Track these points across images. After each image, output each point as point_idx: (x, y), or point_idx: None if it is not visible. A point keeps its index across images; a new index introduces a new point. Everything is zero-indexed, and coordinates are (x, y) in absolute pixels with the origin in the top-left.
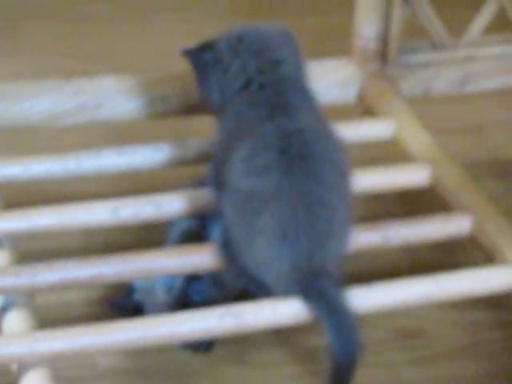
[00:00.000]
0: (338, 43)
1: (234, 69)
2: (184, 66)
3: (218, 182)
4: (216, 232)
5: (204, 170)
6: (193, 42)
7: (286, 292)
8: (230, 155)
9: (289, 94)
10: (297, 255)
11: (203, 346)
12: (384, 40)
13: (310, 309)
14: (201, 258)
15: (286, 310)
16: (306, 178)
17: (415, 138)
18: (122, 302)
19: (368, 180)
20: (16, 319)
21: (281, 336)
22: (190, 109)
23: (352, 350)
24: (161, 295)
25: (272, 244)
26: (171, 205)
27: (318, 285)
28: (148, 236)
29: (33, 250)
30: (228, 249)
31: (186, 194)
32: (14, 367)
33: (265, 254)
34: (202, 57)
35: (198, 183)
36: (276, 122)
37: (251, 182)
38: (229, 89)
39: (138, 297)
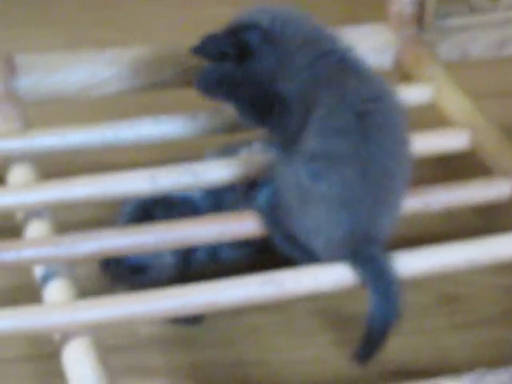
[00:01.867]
0: (373, 9)
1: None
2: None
3: (282, 144)
4: (262, 198)
5: (238, 137)
6: (227, 10)
7: (333, 258)
8: (304, 115)
9: (356, 62)
10: (355, 222)
11: (194, 319)
12: (420, 4)
13: (357, 274)
14: (240, 226)
15: (326, 277)
16: (379, 148)
17: (453, 102)
18: (115, 267)
19: None
20: (57, 289)
21: (318, 304)
22: None
23: (391, 316)
24: (167, 257)
25: (332, 208)
26: (208, 173)
27: (369, 251)
28: None
29: (71, 221)
30: (275, 214)
31: (223, 162)
32: (57, 336)
33: (321, 218)
34: (242, 39)
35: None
36: (353, 85)
37: (326, 142)
38: (291, 65)
39: (138, 259)
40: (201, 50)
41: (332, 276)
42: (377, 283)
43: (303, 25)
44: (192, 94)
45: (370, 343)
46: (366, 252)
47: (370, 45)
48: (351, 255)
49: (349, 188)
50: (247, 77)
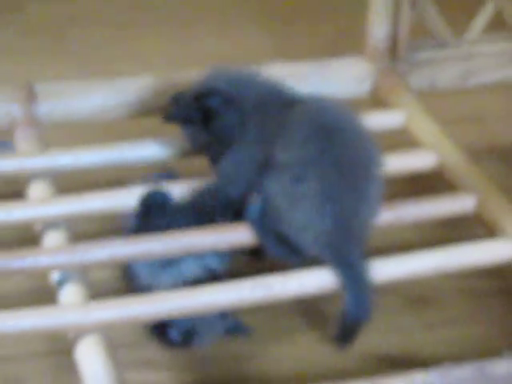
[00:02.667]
0: (352, 44)
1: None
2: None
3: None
4: (251, 213)
5: None
6: (225, 46)
7: (321, 253)
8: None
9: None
10: (337, 212)
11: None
12: (394, 39)
13: (336, 276)
14: (236, 236)
15: (310, 281)
16: (343, 147)
17: (423, 127)
18: (165, 334)
19: None
20: (71, 292)
21: (303, 304)
22: None
23: (362, 316)
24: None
25: (315, 203)
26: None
27: (349, 255)
28: None
29: (84, 231)
30: (265, 223)
31: None
32: (71, 335)
33: (307, 214)
34: (205, 105)
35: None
36: (310, 108)
37: (296, 152)
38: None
39: (187, 324)
40: (172, 117)
41: (316, 280)
42: (353, 286)
43: (253, 82)
44: None
45: (344, 336)
46: (347, 256)
47: (350, 75)
48: (332, 253)
49: (325, 184)
50: (212, 134)
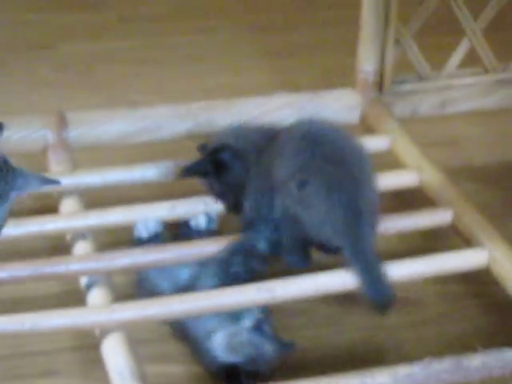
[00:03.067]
0: (343, 77)
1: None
2: (224, 96)
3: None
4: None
5: None
6: (229, 79)
7: (340, 242)
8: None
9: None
10: (346, 199)
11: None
12: (380, 73)
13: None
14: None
15: (309, 285)
16: (331, 144)
17: (406, 150)
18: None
19: None
20: (97, 294)
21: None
22: None
23: (383, 294)
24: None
25: (325, 197)
26: (218, 203)
27: (363, 233)
28: None
29: (109, 242)
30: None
31: None
32: (97, 332)
33: (321, 209)
34: (217, 159)
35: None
36: (286, 130)
37: (290, 165)
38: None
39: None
40: (189, 171)
41: (313, 285)
42: (368, 270)
43: (255, 135)
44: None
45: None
46: (362, 240)
47: (341, 105)
48: (352, 238)
49: (325, 179)
50: (224, 184)
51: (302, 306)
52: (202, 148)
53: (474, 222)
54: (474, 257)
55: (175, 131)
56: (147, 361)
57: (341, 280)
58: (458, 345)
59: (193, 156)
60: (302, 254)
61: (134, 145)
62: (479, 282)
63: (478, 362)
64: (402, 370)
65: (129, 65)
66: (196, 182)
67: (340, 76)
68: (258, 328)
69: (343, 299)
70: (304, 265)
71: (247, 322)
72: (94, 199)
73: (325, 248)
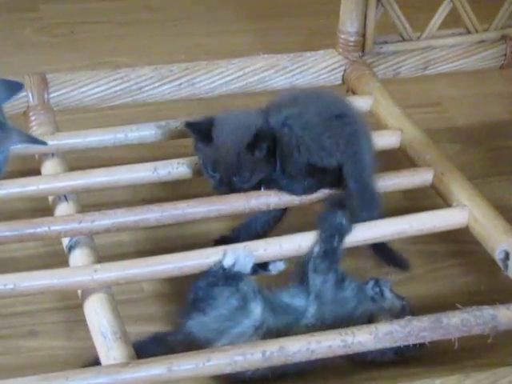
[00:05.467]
0: (325, 39)
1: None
2: (204, 58)
3: None
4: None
5: None
6: (212, 41)
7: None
8: None
9: None
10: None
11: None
12: (362, 34)
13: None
14: (224, 206)
15: (290, 245)
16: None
17: (388, 110)
18: None
19: None
20: (80, 255)
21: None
22: (215, 89)
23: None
24: None
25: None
26: (198, 166)
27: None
28: (180, 191)
29: (91, 203)
30: None
31: None
32: (80, 293)
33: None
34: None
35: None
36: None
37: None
38: None
39: None
40: (192, 126)
41: (293, 244)
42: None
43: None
44: (186, 103)
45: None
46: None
47: (323, 66)
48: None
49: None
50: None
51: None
52: (189, 125)
53: (454, 182)
54: (454, 216)
55: (156, 93)
56: (130, 321)
57: None
58: (438, 303)
59: (175, 117)
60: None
61: (116, 106)
62: (459, 241)
63: (457, 319)
64: (383, 328)
65: (112, 26)
66: (177, 143)
67: (323, 37)
68: None
69: None
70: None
71: None
72: (76, 161)
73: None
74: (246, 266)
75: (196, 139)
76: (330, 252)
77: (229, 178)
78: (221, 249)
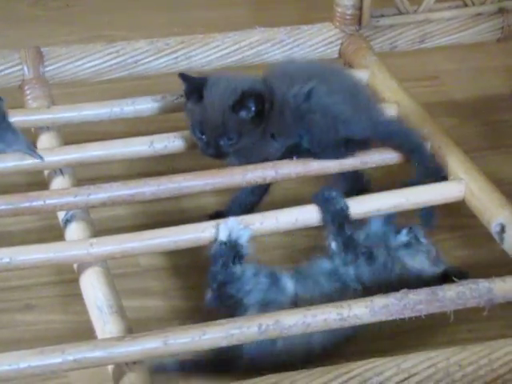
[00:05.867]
0: (321, 12)
1: None
2: (200, 31)
3: None
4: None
5: None
6: (210, 14)
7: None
8: None
9: None
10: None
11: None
12: (359, 7)
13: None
14: (221, 180)
15: (286, 218)
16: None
17: (385, 83)
18: None
19: None
20: (76, 229)
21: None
22: (211, 63)
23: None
24: None
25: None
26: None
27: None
28: (176, 165)
29: (86, 177)
30: None
31: None
32: (75, 266)
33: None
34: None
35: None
36: None
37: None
38: None
39: None
40: (188, 80)
41: (290, 217)
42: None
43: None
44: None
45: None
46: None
47: (320, 39)
48: None
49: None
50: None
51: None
52: (183, 76)
53: (451, 156)
54: (450, 190)
55: (152, 66)
56: (127, 295)
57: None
58: None
59: (172, 91)
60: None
61: (112, 80)
62: (456, 215)
63: (452, 293)
64: (379, 302)
65: (107, 0)
66: (174, 117)
67: (320, 11)
68: None
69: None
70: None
71: None
72: (72, 135)
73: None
74: (242, 235)
75: (187, 97)
76: (348, 242)
77: (215, 141)
78: (216, 222)
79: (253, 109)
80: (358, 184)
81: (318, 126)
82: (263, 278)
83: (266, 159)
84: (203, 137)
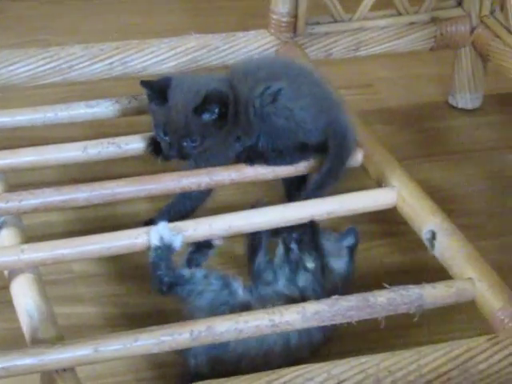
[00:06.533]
0: (258, 19)
1: None
2: (136, 37)
3: None
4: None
5: None
6: (148, 20)
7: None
8: None
9: None
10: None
11: None
12: (294, 15)
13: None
14: (155, 186)
15: (219, 225)
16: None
17: None
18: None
19: None
20: (7, 235)
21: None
22: (146, 68)
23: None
24: None
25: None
26: (128, 145)
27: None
28: (109, 170)
29: (19, 183)
30: None
31: (140, 137)
32: (6, 273)
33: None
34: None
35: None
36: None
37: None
38: None
39: None
40: (148, 86)
41: (223, 223)
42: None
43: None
44: (117, 83)
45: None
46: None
47: (256, 46)
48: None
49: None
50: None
51: None
52: (144, 83)
53: (383, 163)
54: (382, 197)
55: (87, 72)
56: (58, 302)
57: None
58: (366, 283)
59: (107, 97)
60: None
61: (46, 85)
62: (388, 221)
63: (383, 299)
64: (310, 308)
65: (43, 4)
66: (108, 123)
67: (256, 18)
68: None
69: None
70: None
71: None
72: (5, 140)
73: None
74: (174, 239)
75: (150, 99)
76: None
77: (178, 142)
78: (147, 229)
79: (216, 111)
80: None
81: (280, 130)
82: (214, 280)
83: (227, 162)
84: (166, 138)
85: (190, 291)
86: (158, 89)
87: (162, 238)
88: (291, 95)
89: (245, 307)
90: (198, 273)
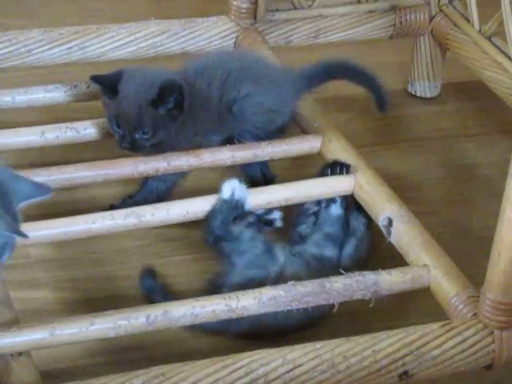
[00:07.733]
0: (217, 5)
1: None
2: (96, 22)
3: None
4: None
5: None
6: (108, 5)
7: None
8: None
9: None
10: None
11: None
12: (254, 1)
13: None
14: (113, 171)
15: (176, 210)
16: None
17: None
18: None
19: None
20: None
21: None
22: (106, 53)
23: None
24: None
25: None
26: (87, 130)
27: None
28: (68, 155)
29: None
30: None
31: (98, 122)
32: None
33: None
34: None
35: None
36: None
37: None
38: None
39: None
40: (98, 80)
41: (180, 210)
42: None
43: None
44: (76, 67)
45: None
46: None
47: (216, 32)
48: None
49: None
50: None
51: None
52: (95, 78)
53: (341, 150)
54: (340, 183)
55: (46, 56)
56: (15, 286)
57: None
58: None
59: (66, 81)
60: None
61: (4, 69)
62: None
63: (339, 284)
64: (267, 293)
65: None
66: (67, 107)
67: (217, 4)
68: None
69: None
70: None
71: None
72: None
73: None
74: (244, 195)
75: (102, 92)
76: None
77: (131, 135)
78: (107, 213)
79: (171, 100)
80: (263, 175)
81: (259, 123)
82: (259, 242)
83: None
84: (119, 130)
85: (233, 249)
86: (109, 83)
87: (233, 193)
88: (259, 90)
89: (282, 275)
90: (246, 233)
